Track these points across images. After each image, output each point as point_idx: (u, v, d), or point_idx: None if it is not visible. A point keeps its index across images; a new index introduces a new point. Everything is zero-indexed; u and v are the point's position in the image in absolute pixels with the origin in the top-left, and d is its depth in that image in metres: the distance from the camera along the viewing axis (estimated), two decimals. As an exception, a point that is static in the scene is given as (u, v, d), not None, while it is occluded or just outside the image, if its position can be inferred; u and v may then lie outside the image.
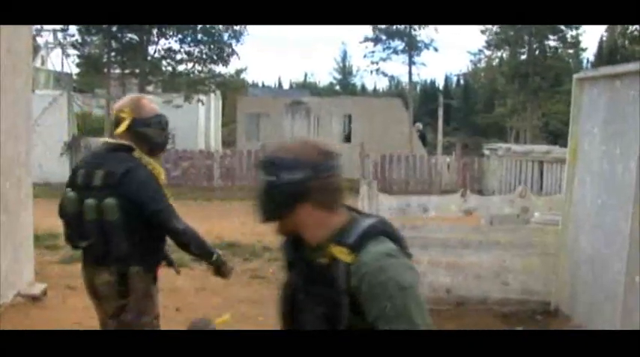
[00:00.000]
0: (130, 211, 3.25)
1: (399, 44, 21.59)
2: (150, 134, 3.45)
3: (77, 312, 6.43)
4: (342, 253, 1.94)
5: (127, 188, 3.25)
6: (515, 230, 6.70)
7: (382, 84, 68.34)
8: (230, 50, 21.85)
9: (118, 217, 3.24)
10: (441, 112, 19.71)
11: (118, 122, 3.42)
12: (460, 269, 6.54)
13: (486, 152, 19.37)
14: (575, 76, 6.77)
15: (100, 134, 20.65)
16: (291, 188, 1.98)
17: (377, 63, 22.17)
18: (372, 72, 22.55)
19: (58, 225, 10.86)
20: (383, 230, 2.02)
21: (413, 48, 21.53)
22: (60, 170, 19.30)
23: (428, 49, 21.82)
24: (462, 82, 56.82)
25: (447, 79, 59.41)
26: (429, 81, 53.56)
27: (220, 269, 3.55)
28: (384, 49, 21.85)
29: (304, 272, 2.05)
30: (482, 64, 32.58)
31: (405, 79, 36.16)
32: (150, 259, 3.43)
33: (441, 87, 55.84)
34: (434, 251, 6.51)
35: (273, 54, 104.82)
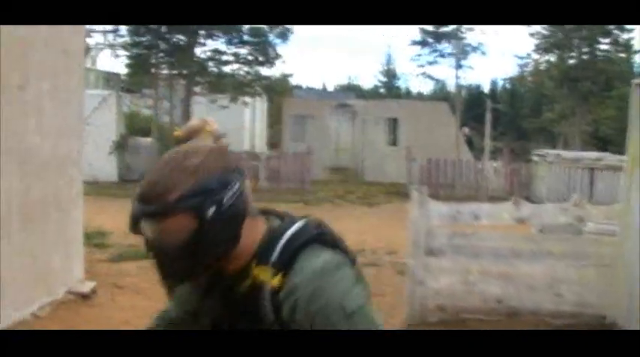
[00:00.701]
0: None
1: (446, 47, 21.36)
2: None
3: (125, 311, 6.48)
4: (266, 275, 1.48)
5: None
6: (569, 240, 6.52)
7: (427, 88, 67.91)
8: (275, 52, 21.92)
9: None
10: (488, 117, 19.40)
11: (191, 138, 4.01)
12: (511, 279, 6.38)
13: (535, 158, 19.01)
14: (633, 81, 6.56)
15: (147, 134, 20.90)
16: (239, 207, 1.47)
17: (423, 66, 21.96)
18: (418, 75, 22.27)
19: (106, 223, 11.01)
20: (316, 235, 1.53)
21: (460, 51, 21.28)
22: (108, 169, 19.64)
23: (475, 52, 21.52)
24: (507, 86, 56.06)
25: (493, 83, 58.71)
26: (474, 85, 52.95)
27: None
28: (430, 53, 21.62)
29: (225, 302, 1.57)
30: (530, 68, 32.03)
31: (450, 83, 35.87)
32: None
33: (486, 91, 55.21)
34: (484, 260, 6.37)
35: (318, 56, 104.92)
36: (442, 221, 6.33)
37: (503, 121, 42.50)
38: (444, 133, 22.22)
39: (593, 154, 18.36)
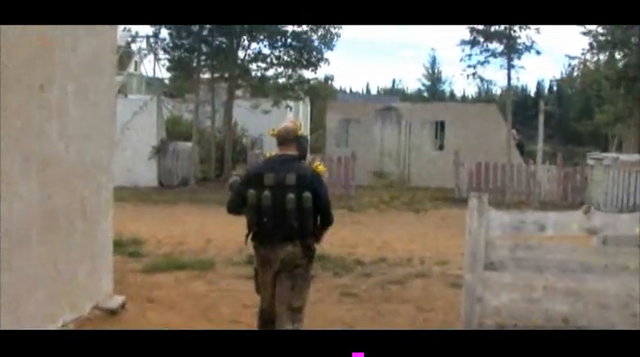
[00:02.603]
0: (314, 201, 4.59)
1: (497, 47, 20.44)
2: (306, 147, 4.91)
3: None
4: None
5: (315, 185, 4.63)
6: (646, 254, 5.82)
7: (471, 90, 66.79)
8: (319, 56, 21.42)
9: (310, 206, 4.56)
10: (541, 119, 18.57)
11: (288, 138, 4.74)
12: (580, 296, 5.71)
13: (590, 162, 18.13)
14: None
15: (188, 138, 20.57)
16: None
17: (474, 66, 21.05)
18: (468, 76, 21.27)
19: (142, 230, 10.60)
20: None
21: (512, 51, 20.37)
22: (148, 174, 19.37)
23: (529, 52, 20.56)
24: (555, 87, 54.72)
25: (539, 84, 57.55)
26: (520, 86, 51.80)
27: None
28: (481, 52, 20.72)
29: None
30: (581, 68, 30.79)
31: (498, 84, 34.82)
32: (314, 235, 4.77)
33: (532, 93, 54.06)
34: (550, 275, 5.71)
35: (361, 60, 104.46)
36: (503, 232, 5.70)
37: (550, 123, 41.37)
38: (493, 136, 21.46)
39: (655, 158, 17.38)
